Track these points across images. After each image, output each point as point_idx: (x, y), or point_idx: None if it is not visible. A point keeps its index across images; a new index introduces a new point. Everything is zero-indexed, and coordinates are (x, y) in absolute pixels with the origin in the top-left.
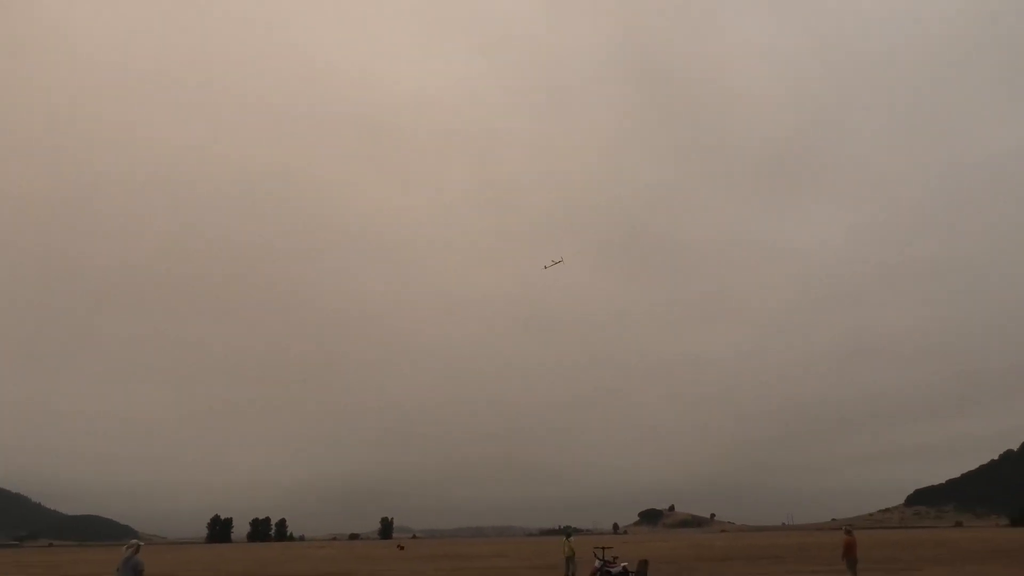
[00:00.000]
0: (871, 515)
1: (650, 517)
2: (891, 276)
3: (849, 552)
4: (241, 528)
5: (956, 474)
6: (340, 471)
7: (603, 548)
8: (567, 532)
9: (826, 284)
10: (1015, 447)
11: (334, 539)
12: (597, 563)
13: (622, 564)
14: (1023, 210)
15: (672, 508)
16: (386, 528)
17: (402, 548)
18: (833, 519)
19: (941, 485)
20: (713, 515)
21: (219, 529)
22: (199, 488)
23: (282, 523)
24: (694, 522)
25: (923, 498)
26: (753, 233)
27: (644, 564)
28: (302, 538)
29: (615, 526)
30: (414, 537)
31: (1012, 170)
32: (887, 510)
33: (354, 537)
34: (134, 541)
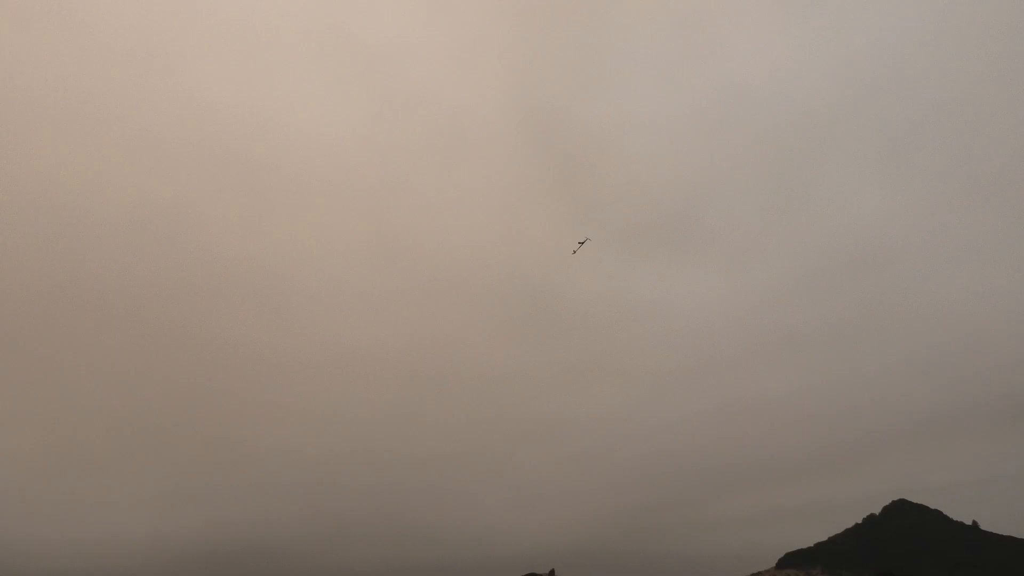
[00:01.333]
0: None
1: None
2: (765, 344)
3: None
4: None
5: (824, 537)
6: (205, 528)
7: None
8: None
9: (705, 349)
10: (877, 511)
11: None
12: None
13: None
14: (888, 286)
15: (552, 573)
16: None
17: None
18: None
19: (810, 548)
20: None
21: None
22: (40, 544)
23: None
24: None
25: (793, 561)
26: (640, 296)
27: None
28: None
29: None
30: None
31: (878, 248)
32: (759, 573)
33: None
34: None
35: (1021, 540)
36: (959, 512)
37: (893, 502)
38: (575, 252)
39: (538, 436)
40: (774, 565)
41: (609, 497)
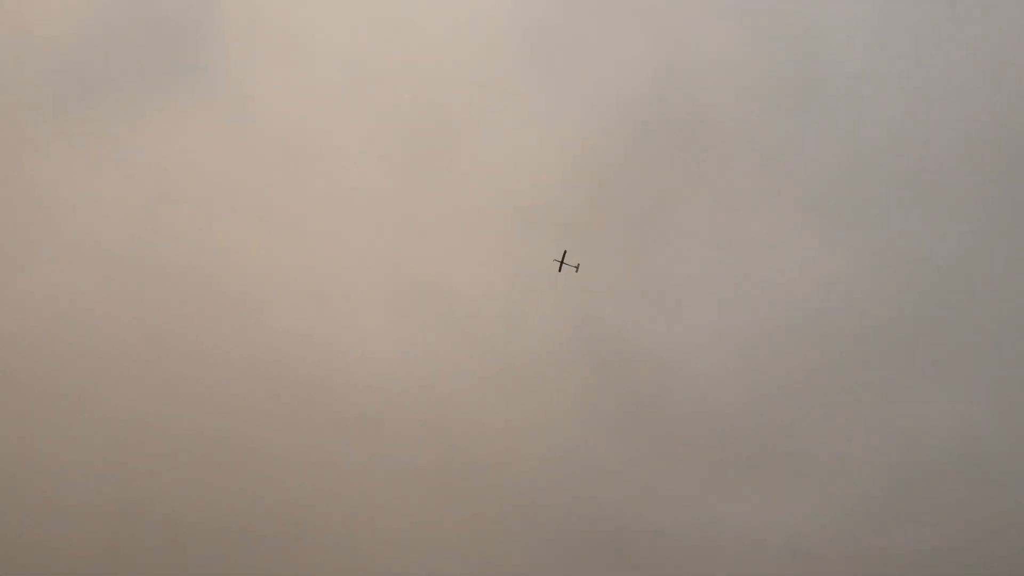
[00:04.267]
0: None
1: None
2: (864, 566)
3: None
4: None
5: None
6: None
7: None
8: None
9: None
10: None
11: None
12: None
13: None
14: (988, 497)
15: None
16: None
17: None
18: None
19: None
20: None
21: None
22: None
23: None
24: None
25: None
26: (724, 521)
27: None
28: None
29: None
30: None
31: (966, 453)
32: None
33: None
34: None
35: None
36: None
37: None
38: (576, 271)
39: None
40: None
41: None
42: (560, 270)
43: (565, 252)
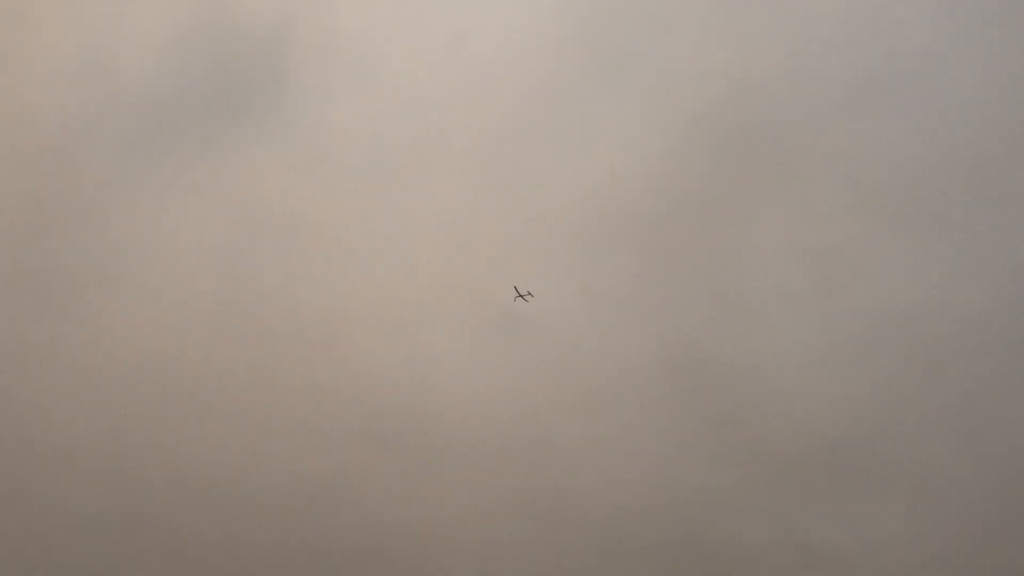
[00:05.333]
0: None
1: None
2: None
3: None
4: None
5: None
6: None
7: None
8: None
9: None
10: None
11: None
12: None
13: None
14: None
15: None
16: None
17: None
18: None
19: None
20: None
21: None
22: None
23: None
24: None
25: None
26: (815, 538)
27: None
28: None
29: None
30: None
31: None
32: None
33: None
34: None
35: None
36: None
37: None
38: (526, 299)
39: None
40: None
41: None
42: (526, 299)
43: (516, 286)
